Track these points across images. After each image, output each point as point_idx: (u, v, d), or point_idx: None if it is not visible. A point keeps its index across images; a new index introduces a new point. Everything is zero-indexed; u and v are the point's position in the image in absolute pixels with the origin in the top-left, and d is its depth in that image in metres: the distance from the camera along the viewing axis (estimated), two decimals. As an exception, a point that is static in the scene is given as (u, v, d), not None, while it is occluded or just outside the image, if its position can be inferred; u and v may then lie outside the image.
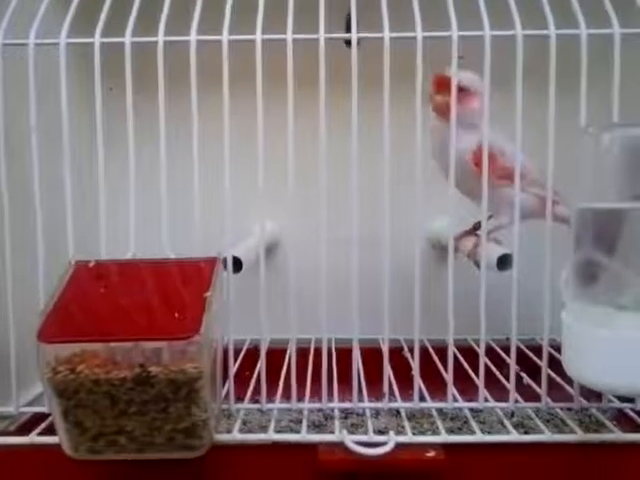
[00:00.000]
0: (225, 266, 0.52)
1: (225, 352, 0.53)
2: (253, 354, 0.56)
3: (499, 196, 0.58)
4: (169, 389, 0.43)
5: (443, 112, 0.58)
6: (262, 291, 0.53)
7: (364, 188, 0.53)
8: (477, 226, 0.65)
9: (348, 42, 0.52)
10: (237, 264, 0.59)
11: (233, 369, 0.55)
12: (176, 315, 0.44)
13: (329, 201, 0.53)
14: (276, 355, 0.60)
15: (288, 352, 0.56)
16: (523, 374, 0.61)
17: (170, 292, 0.48)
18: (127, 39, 0.50)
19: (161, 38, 0.50)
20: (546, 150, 0.52)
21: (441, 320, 0.54)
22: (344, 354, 0.57)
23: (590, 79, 0.51)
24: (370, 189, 0.52)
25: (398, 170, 0.52)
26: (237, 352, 0.66)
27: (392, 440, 0.48)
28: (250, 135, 0.53)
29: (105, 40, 0.50)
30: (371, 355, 0.59)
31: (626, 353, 0.43)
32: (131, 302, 0.46)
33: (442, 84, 0.57)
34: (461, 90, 0.57)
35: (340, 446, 0.48)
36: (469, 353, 0.63)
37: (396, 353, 0.67)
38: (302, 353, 0.64)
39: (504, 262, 0.57)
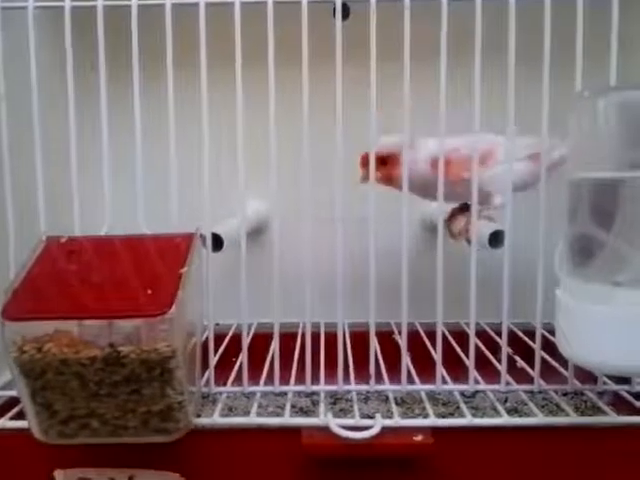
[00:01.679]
0: (204, 243, 0.50)
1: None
2: (240, 340, 0.55)
3: (481, 183, 0.53)
4: (141, 369, 0.41)
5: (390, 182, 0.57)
6: (242, 272, 0.52)
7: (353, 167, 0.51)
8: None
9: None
10: (218, 242, 0.57)
11: (218, 354, 0.53)
12: (149, 291, 0.42)
13: (316, 181, 0.51)
14: (263, 340, 0.59)
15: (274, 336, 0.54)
16: (517, 357, 0.59)
17: (144, 268, 0.46)
18: (99, 2, 0.48)
19: (135, 1, 0.48)
20: (539, 124, 0.50)
21: (434, 303, 0.52)
22: (334, 338, 0.55)
23: (586, 50, 0.49)
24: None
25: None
26: (223, 337, 0.65)
27: (378, 423, 0.46)
28: (232, 109, 0.51)
29: (76, 4, 0.49)
30: (361, 340, 0.57)
31: (623, 331, 0.42)
32: (103, 279, 0.44)
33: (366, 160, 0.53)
34: (388, 157, 0.56)
35: (325, 430, 0.47)
36: (463, 338, 0.61)
37: (386, 337, 0.65)
38: (291, 337, 0.62)
39: (496, 239, 0.55)
